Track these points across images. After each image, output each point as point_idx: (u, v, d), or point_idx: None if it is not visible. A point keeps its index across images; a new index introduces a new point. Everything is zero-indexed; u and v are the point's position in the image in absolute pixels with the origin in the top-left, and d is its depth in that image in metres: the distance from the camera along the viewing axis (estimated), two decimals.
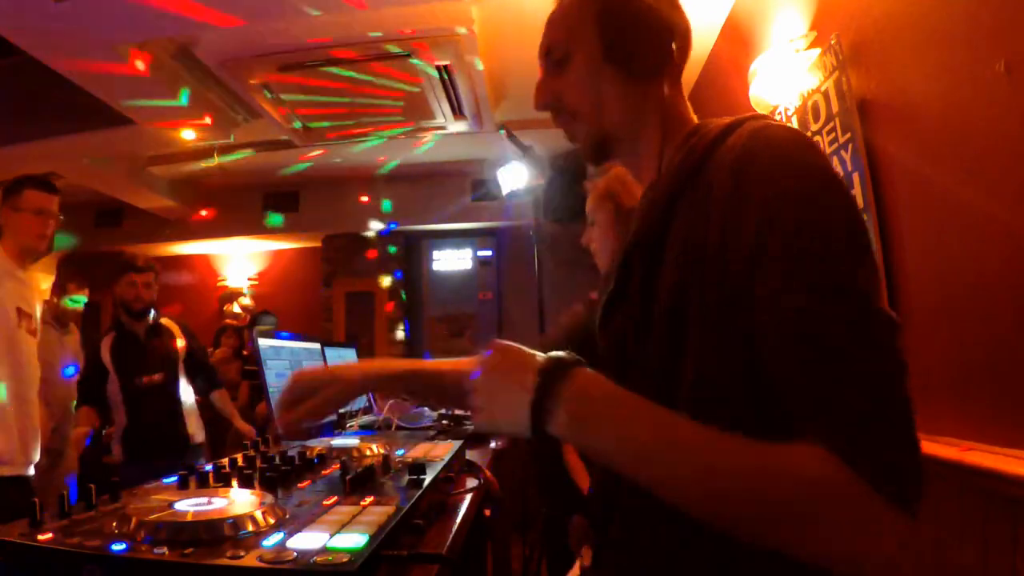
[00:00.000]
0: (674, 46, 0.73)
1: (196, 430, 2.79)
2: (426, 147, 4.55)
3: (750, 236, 0.54)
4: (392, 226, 5.35)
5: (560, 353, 0.57)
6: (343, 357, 1.93)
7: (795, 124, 1.89)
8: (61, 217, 2.11)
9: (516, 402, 0.55)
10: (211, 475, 0.77)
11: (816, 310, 0.50)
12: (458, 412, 1.91)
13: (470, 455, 1.22)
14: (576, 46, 0.74)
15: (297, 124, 3.83)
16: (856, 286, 0.51)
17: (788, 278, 0.52)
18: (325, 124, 3.87)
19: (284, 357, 1.41)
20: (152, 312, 2.86)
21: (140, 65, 2.97)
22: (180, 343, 2.89)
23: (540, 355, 0.57)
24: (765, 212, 0.54)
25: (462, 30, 2.85)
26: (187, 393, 2.83)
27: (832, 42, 1.62)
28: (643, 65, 0.73)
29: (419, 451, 1.07)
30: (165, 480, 0.79)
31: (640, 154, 0.76)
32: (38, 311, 2.09)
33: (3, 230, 2.02)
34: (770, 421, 0.52)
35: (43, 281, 6.31)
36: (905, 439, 0.48)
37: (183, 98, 3.33)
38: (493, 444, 1.58)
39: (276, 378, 1.31)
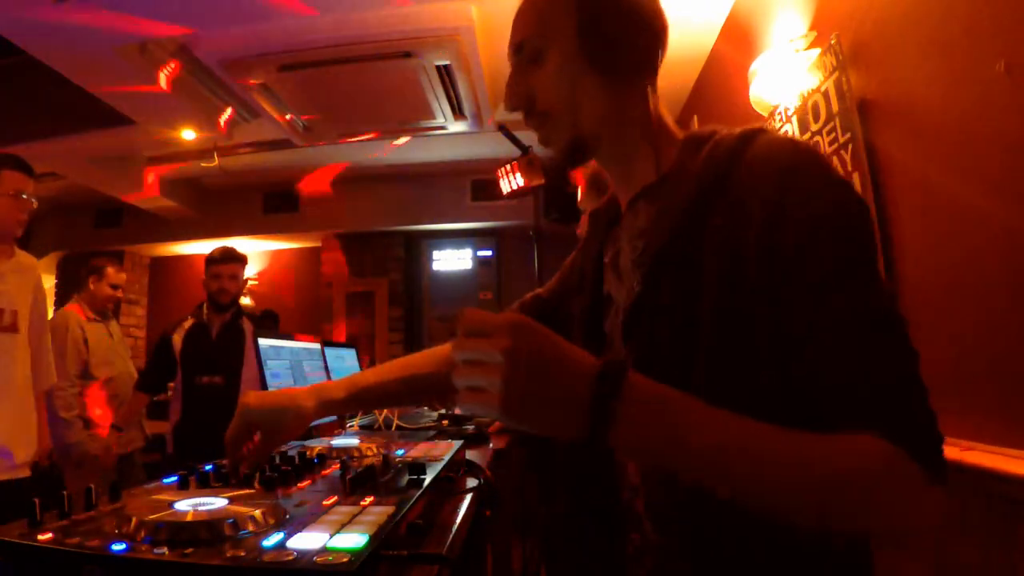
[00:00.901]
0: (655, 43, 0.70)
1: None
2: (426, 146, 4.54)
3: (791, 245, 0.57)
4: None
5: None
6: (343, 357, 1.93)
7: (795, 124, 1.89)
8: (35, 201, 2.00)
9: (564, 402, 0.48)
10: (211, 475, 0.77)
11: (858, 317, 0.56)
12: (458, 412, 1.91)
13: (470, 455, 1.22)
14: (550, 41, 0.70)
15: (297, 124, 3.83)
16: (883, 292, 0.59)
17: (830, 290, 0.56)
18: (325, 124, 3.87)
19: (284, 357, 1.41)
20: (235, 308, 2.80)
21: (140, 65, 2.97)
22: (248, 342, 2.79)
23: (578, 350, 0.51)
24: (811, 226, 0.58)
25: (462, 30, 2.85)
26: None
27: (832, 42, 1.62)
28: (625, 62, 0.69)
29: (419, 451, 1.07)
30: (165, 480, 0.79)
31: (628, 157, 0.73)
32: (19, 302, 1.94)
33: None
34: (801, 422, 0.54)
35: (44, 281, 6.32)
36: (933, 420, 0.55)
37: (183, 99, 3.33)
38: (493, 444, 1.58)
39: (276, 378, 1.31)
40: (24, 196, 1.94)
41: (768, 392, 0.57)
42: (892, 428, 0.51)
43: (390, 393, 0.97)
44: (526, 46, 0.71)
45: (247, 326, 2.78)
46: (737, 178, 0.62)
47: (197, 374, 2.65)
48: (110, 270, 3.09)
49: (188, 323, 2.78)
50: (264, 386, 1.26)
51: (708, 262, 0.61)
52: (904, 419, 0.53)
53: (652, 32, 0.70)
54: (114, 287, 3.10)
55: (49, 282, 6.10)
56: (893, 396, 0.53)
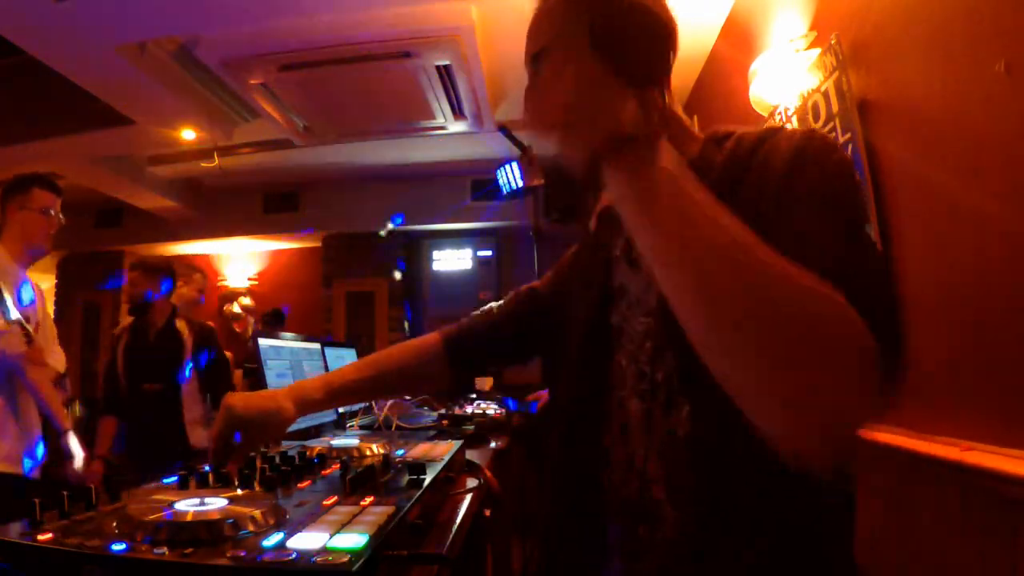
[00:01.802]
0: (668, 47, 0.71)
1: (200, 440, 2.66)
2: (426, 146, 4.54)
3: (804, 194, 0.61)
4: (397, 220, 5.31)
5: None
6: (343, 357, 1.93)
7: (795, 124, 1.89)
8: (63, 218, 2.07)
9: (594, 121, 0.48)
10: (211, 475, 0.77)
11: (844, 245, 0.58)
12: (458, 412, 1.91)
13: (470, 455, 1.22)
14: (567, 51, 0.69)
15: (297, 124, 3.83)
16: (868, 235, 0.62)
17: (823, 222, 0.59)
18: (325, 124, 3.88)
19: (284, 357, 1.41)
20: (170, 315, 2.77)
21: (140, 65, 2.97)
22: (188, 350, 2.75)
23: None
24: (810, 188, 0.62)
25: (462, 30, 2.85)
26: (194, 403, 2.72)
27: (832, 42, 1.62)
28: (641, 73, 0.68)
29: (419, 451, 1.07)
30: (165, 480, 0.79)
31: None
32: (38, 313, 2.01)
33: (4, 229, 1.95)
34: None
35: (44, 281, 6.32)
36: (899, 335, 0.57)
37: (183, 98, 3.33)
38: (493, 444, 1.58)
39: (276, 378, 1.31)
40: (52, 213, 2.01)
41: None
42: (855, 294, 0.48)
43: (365, 389, 0.98)
44: (541, 58, 0.72)
45: (184, 328, 2.74)
46: (757, 165, 0.66)
47: (139, 381, 2.64)
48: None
49: (125, 336, 2.76)
50: (264, 386, 1.26)
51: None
52: (866, 289, 0.52)
53: (665, 36, 0.71)
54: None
55: (49, 282, 6.11)
56: (861, 276, 0.54)
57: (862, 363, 0.46)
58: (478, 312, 1.06)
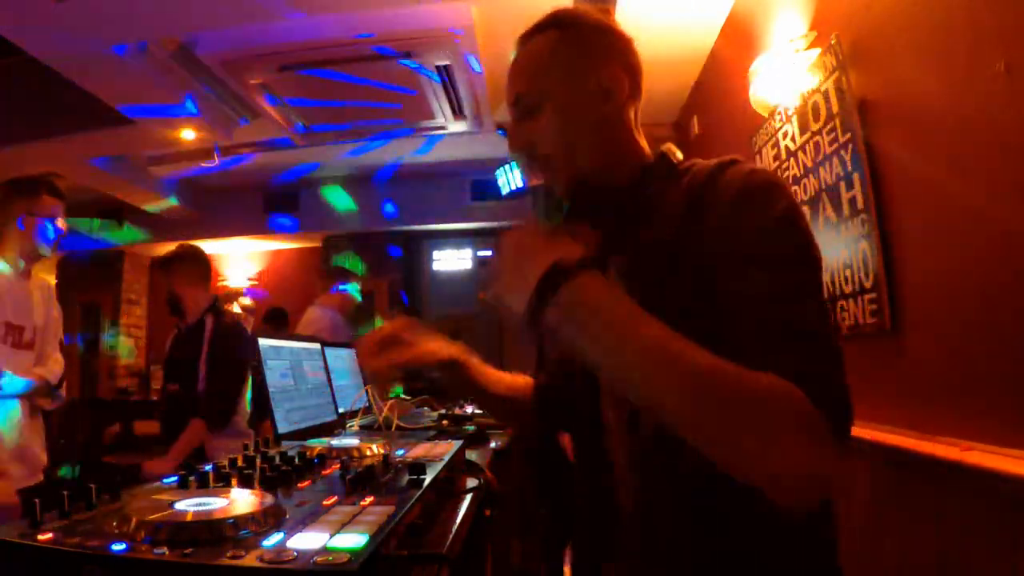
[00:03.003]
0: (635, 84, 0.79)
1: (215, 453, 2.38)
2: (427, 147, 4.54)
3: (742, 245, 0.64)
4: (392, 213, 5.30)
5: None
6: (343, 357, 1.93)
7: (795, 124, 1.89)
8: (66, 225, 2.03)
9: (525, 280, 0.59)
10: (211, 475, 0.77)
11: (789, 301, 0.60)
12: (458, 412, 1.91)
13: (470, 455, 1.22)
14: (545, 95, 0.77)
15: (297, 124, 3.83)
16: (815, 287, 0.64)
17: (769, 281, 0.62)
18: (325, 124, 3.88)
19: (284, 357, 1.40)
20: (205, 309, 2.54)
21: (140, 65, 2.97)
22: (205, 348, 2.49)
23: (563, 247, 0.62)
24: (756, 243, 0.64)
25: (462, 30, 2.85)
26: None
27: (832, 42, 1.62)
28: (613, 107, 0.77)
29: (419, 451, 1.07)
30: (165, 480, 0.79)
31: (616, 189, 0.79)
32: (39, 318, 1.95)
33: (7, 232, 1.89)
34: None
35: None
36: (846, 392, 0.57)
37: (183, 98, 3.33)
38: (493, 444, 1.58)
39: (276, 378, 1.31)
40: (58, 220, 1.98)
41: None
42: (800, 375, 0.54)
43: (496, 395, 1.00)
44: (521, 101, 0.80)
45: (209, 325, 2.49)
46: (709, 202, 0.69)
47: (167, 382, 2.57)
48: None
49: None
50: (264, 386, 1.26)
51: (683, 278, 0.68)
52: (813, 371, 0.56)
53: (633, 74, 0.78)
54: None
55: (49, 282, 6.09)
56: (805, 353, 0.57)
57: (798, 429, 0.53)
58: None
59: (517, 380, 1.04)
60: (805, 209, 1.80)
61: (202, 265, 2.58)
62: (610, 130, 0.79)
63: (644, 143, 0.82)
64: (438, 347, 0.92)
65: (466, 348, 0.96)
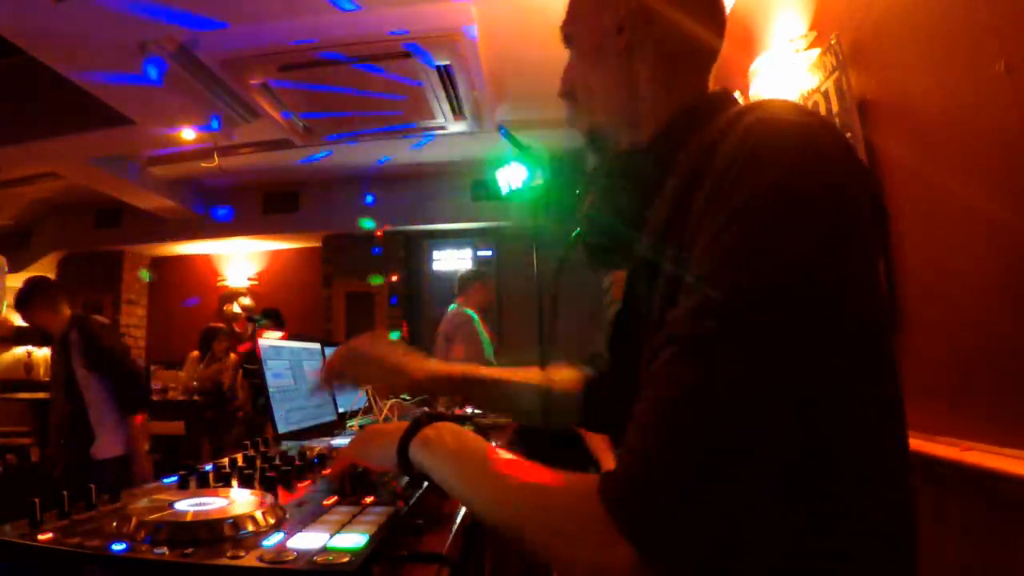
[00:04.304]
0: (667, 18, 0.66)
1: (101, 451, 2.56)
2: (421, 143, 4.54)
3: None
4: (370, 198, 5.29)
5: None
6: None
7: None
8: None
9: (389, 443, 0.67)
10: (211, 475, 0.77)
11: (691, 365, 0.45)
12: (458, 412, 1.91)
13: None
14: (571, 28, 0.72)
15: (297, 124, 3.83)
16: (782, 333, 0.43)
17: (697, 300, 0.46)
18: (325, 124, 3.88)
19: (284, 357, 1.40)
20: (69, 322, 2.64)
21: (140, 65, 2.97)
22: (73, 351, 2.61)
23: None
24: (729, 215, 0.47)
25: (462, 30, 2.85)
26: (98, 412, 2.59)
27: (832, 42, 1.62)
28: (628, 44, 0.66)
29: None
30: (165, 480, 0.79)
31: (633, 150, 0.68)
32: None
33: None
34: None
35: None
36: (659, 492, 0.43)
37: (182, 97, 3.33)
38: (493, 444, 1.57)
39: (276, 378, 1.31)
40: None
41: None
42: (606, 479, 0.47)
43: (487, 386, 0.95)
44: (563, 32, 0.74)
45: (73, 335, 2.59)
46: (707, 169, 0.51)
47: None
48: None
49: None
50: (264, 386, 1.26)
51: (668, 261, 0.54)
52: (622, 470, 0.46)
53: (669, 10, 0.66)
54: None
55: None
56: (640, 446, 0.45)
57: (587, 537, 0.46)
58: None
59: (527, 376, 0.94)
60: None
61: (52, 290, 2.69)
62: (627, 74, 0.66)
63: (697, 89, 0.68)
64: (409, 381, 0.89)
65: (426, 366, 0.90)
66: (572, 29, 0.72)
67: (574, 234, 0.72)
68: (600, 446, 2.10)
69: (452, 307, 3.62)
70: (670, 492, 0.43)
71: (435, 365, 0.91)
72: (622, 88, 0.68)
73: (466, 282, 3.67)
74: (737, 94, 0.69)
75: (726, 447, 0.42)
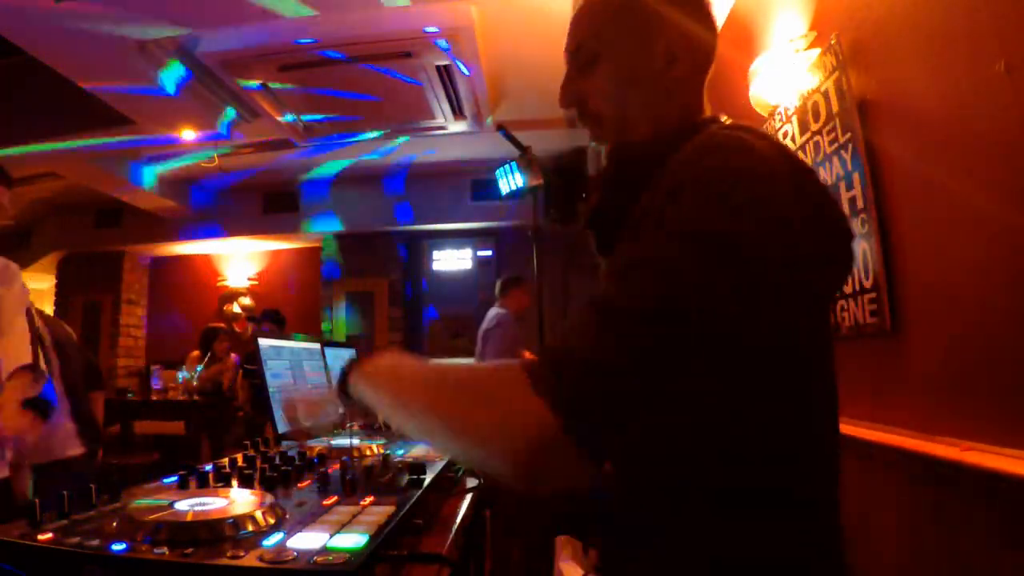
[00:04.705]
0: (705, 56, 0.74)
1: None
2: (428, 150, 4.54)
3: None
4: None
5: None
6: (343, 357, 1.92)
7: (795, 124, 1.89)
8: (10, 209, 1.85)
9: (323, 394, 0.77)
10: (211, 475, 0.77)
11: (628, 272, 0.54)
12: None
13: None
14: (607, 47, 0.73)
15: (297, 124, 3.83)
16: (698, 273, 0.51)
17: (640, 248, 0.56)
18: (325, 124, 3.88)
19: (284, 357, 1.40)
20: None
21: (140, 65, 2.97)
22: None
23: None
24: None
25: (462, 30, 2.85)
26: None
27: (832, 42, 1.62)
28: (676, 75, 0.72)
29: (419, 451, 1.07)
30: (165, 480, 0.79)
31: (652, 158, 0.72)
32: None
33: None
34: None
35: (44, 281, 6.33)
36: (581, 369, 0.50)
37: (182, 97, 3.33)
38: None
39: (276, 378, 1.31)
40: (2, 206, 1.83)
41: None
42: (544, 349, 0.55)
43: None
44: (582, 49, 0.75)
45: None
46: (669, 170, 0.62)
47: None
48: None
49: None
50: (264, 386, 1.26)
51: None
52: (548, 353, 0.53)
53: (704, 43, 0.74)
54: None
55: (49, 282, 6.11)
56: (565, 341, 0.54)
57: (525, 428, 0.50)
58: None
59: None
60: None
61: None
62: (667, 98, 0.73)
63: (705, 107, 0.76)
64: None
65: None
66: (601, 49, 0.73)
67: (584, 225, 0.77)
68: None
69: (492, 309, 3.80)
70: (575, 363, 0.51)
71: None
72: (660, 108, 0.73)
73: (506, 286, 3.83)
74: (724, 118, 0.76)
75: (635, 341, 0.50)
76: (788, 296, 0.56)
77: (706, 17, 0.74)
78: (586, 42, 0.74)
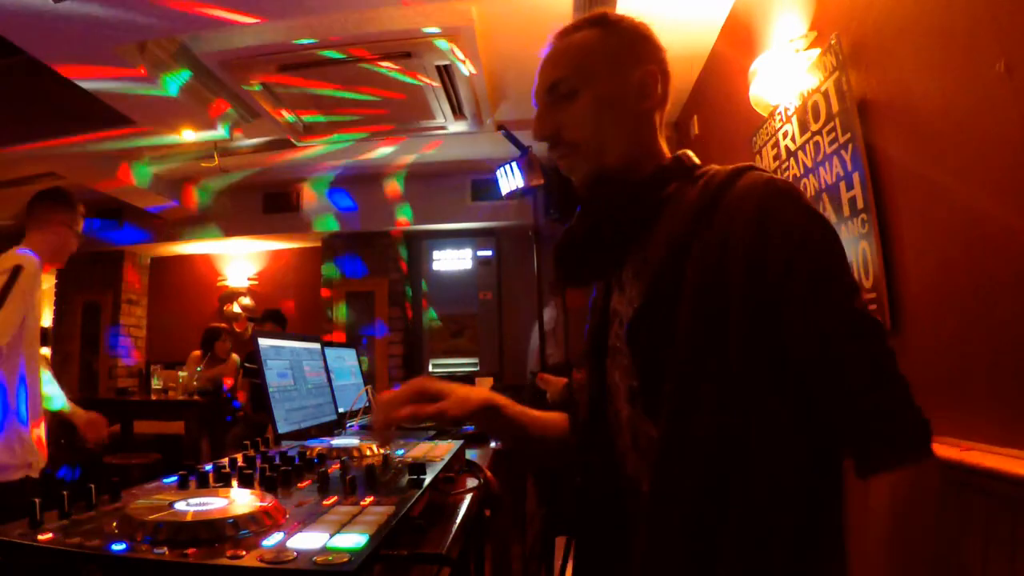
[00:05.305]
0: (666, 83, 0.83)
1: None
2: (432, 150, 4.54)
3: (776, 277, 0.67)
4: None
5: None
6: (343, 357, 1.93)
7: (795, 124, 1.89)
8: (81, 239, 2.24)
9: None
10: (211, 475, 0.77)
11: (844, 339, 0.66)
12: None
13: (470, 455, 1.22)
14: (584, 83, 0.79)
15: (297, 124, 3.83)
16: (865, 311, 0.68)
17: (817, 314, 0.66)
18: (325, 124, 3.88)
19: (284, 357, 1.41)
20: None
21: (140, 65, 2.97)
22: None
23: None
24: (790, 256, 0.67)
25: (462, 30, 2.85)
26: None
27: (832, 42, 1.62)
28: (646, 106, 0.81)
29: (419, 451, 1.07)
30: (165, 480, 0.79)
31: (634, 183, 0.81)
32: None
33: (43, 239, 2.04)
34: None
35: (44, 281, 6.31)
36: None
37: (182, 97, 3.33)
38: (493, 444, 1.58)
39: (276, 378, 1.31)
40: (79, 231, 2.20)
41: (744, 398, 0.67)
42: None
43: (540, 435, 0.97)
44: (561, 85, 0.81)
45: None
46: (724, 206, 0.72)
47: None
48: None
49: None
50: (264, 386, 1.26)
51: (692, 276, 0.71)
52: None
53: (665, 74, 0.82)
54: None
55: (49, 282, 6.10)
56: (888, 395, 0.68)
57: None
58: None
59: (553, 416, 0.99)
60: None
61: None
62: (639, 127, 0.82)
63: (665, 147, 0.85)
64: (466, 396, 0.86)
65: (497, 394, 0.91)
66: (579, 84, 0.80)
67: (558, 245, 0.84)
68: None
69: (547, 310, 3.84)
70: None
71: (496, 396, 0.91)
72: (633, 136, 0.81)
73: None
74: (692, 155, 0.85)
75: None
76: None
77: (664, 59, 0.83)
78: (565, 78, 0.80)
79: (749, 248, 0.68)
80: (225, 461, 0.90)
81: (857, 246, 1.55)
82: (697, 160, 0.84)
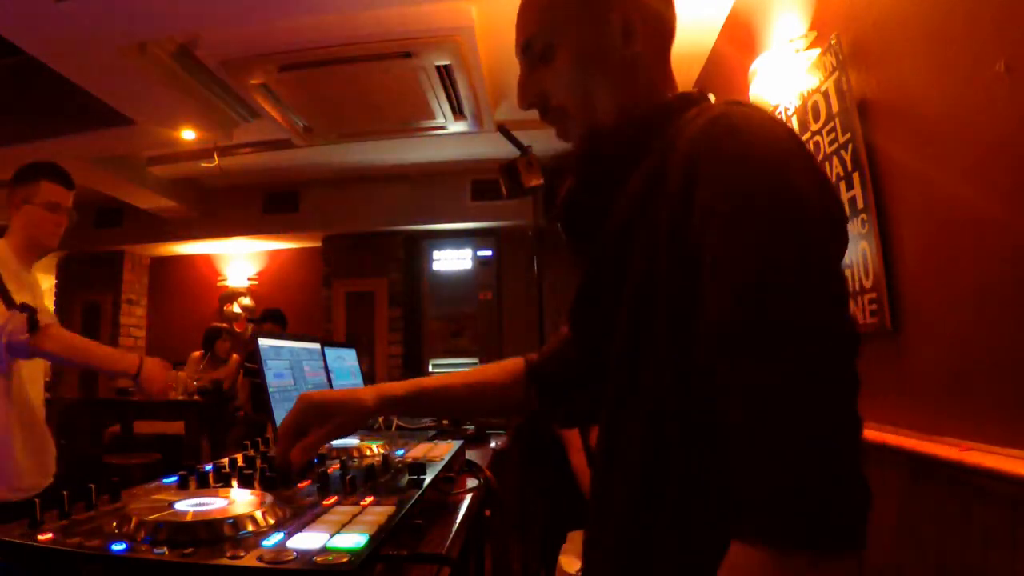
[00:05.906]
0: (666, 26, 0.72)
1: None
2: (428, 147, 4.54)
3: (694, 236, 0.52)
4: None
5: None
6: (343, 357, 1.93)
7: (795, 124, 1.89)
8: (75, 214, 1.91)
9: None
10: (211, 475, 0.77)
11: (739, 322, 0.47)
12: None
13: (470, 455, 1.22)
14: (559, 38, 0.70)
15: (298, 124, 3.83)
16: (807, 318, 0.47)
17: (722, 287, 0.49)
18: (325, 124, 3.88)
19: (284, 357, 1.40)
20: None
21: (140, 65, 2.97)
22: None
23: None
24: (709, 226, 0.51)
25: (462, 30, 2.85)
26: None
27: (832, 42, 1.62)
28: (634, 48, 0.69)
29: (419, 451, 1.07)
30: (165, 480, 0.79)
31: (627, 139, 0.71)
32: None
33: (15, 225, 1.80)
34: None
35: (44, 281, 6.31)
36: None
37: (182, 97, 3.33)
38: (493, 444, 1.58)
39: (276, 378, 1.31)
40: (60, 208, 1.88)
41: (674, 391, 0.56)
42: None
43: (452, 397, 0.89)
44: (533, 43, 0.73)
45: None
46: (670, 156, 0.59)
47: None
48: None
49: None
50: (264, 386, 1.26)
51: (638, 252, 0.61)
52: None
53: (658, 11, 0.71)
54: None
55: (49, 282, 6.10)
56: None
57: None
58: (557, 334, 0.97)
59: (485, 372, 0.93)
60: None
61: None
62: (631, 74, 0.69)
63: (673, 87, 0.73)
64: (357, 405, 0.80)
65: (376, 388, 0.84)
66: (554, 37, 0.71)
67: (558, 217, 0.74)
68: (575, 446, 2.05)
69: None
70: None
71: (384, 388, 0.85)
72: (626, 88, 0.70)
73: None
74: (711, 96, 0.72)
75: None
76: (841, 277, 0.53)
77: None
78: (537, 34, 0.72)
79: (672, 214, 0.55)
80: (225, 461, 0.90)
81: (857, 246, 1.55)
82: (711, 96, 0.71)
